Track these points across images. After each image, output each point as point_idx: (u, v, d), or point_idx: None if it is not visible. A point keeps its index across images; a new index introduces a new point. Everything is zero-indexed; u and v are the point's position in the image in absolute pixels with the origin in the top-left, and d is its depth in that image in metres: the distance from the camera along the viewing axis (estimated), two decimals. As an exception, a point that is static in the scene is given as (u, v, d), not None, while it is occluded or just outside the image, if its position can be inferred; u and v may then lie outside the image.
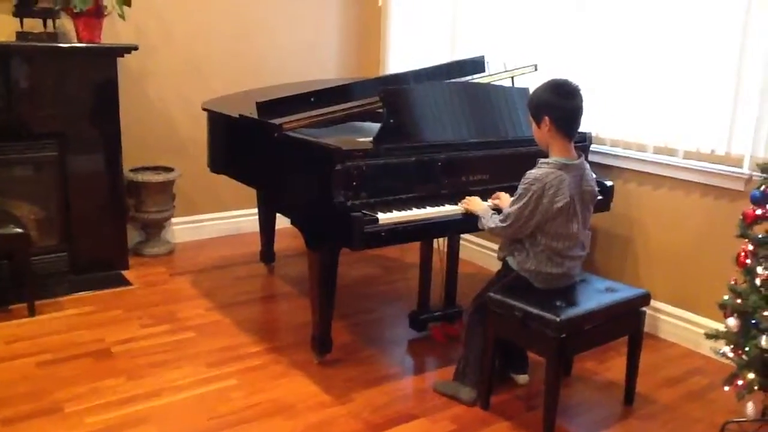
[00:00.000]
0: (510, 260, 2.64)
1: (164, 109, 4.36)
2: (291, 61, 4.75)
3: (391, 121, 2.82)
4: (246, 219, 4.67)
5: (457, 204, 2.81)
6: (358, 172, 2.67)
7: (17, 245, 3.34)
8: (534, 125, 2.59)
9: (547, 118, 2.51)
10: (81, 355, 2.99)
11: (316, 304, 2.91)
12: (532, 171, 2.51)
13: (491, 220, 2.63)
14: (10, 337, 3.13)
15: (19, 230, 3.33)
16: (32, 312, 3.36)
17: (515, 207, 2.50)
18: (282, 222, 3.94)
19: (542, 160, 2.54)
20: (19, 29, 3.63)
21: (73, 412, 2.57)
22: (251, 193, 3.87)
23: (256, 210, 4.22)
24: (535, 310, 2.43)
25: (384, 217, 2.63)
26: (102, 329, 3.25)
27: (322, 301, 2.89)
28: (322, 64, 4.91)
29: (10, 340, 3.10)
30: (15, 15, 3.62)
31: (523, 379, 2.88)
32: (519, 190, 2.51)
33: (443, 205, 2.81)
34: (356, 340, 3.26)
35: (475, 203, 2.78)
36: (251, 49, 4.61)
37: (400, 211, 2.70)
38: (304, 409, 2.64)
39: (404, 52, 4.79)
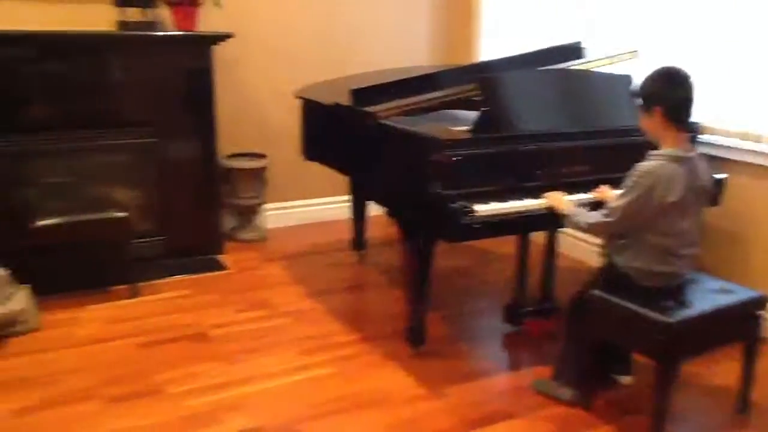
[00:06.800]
0: (615, 257, 2.52)
1: (256, 96, 4.40)
2: (380, 48, 4.71)
3: (489, 109, 2.74)
4: (336, 206, 4.68)
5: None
6: (455, 163, 2.59)
7: (119, 229, 3.46)
8: (643, 115, 2.45)
9: (657, 108, 2.37)
10: (179, 338, 3.07)
11: (411, 295, 2.88)
12: (643, 163, 2.38)
13: (589, 216, 2.50)
14: (113, 318, 3.25)
15: (121, 214, 3.44)
16: (134, 294, 3.46)
17: (622, 200, 2.38)
18: (373, 210, 3.93)
19: (654, 152, 2.41)
20: (119, 19, 3.72)
21: (174, 393, 2.63)
22: (341, 180, 3.87)
23: (346, 197, 4.22)
24: (642, 311, 2.30)
25: (481, 209, 2.56)
26: (199, 313, 3.32)
27: (417, 292, 2.85)
28: (411, 51, 4.84)
29: (112, 321, 3.21)
30: (117, 5, 3.71)
31: (626, 380, 2.76)
32: (628, 183, 2.39)
33: (542, 197, 2.71)
34: (450, 332, 3.21)
35: (559, 201, 2.63)
36: (341, 35, 4.60)
37: (497, 202, 2.62)
38: (399, 401, 2.61)
39: (497, 39, 4.66)
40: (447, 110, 3.33)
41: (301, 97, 3.69)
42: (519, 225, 2.73)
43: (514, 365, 2.99)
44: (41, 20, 3.61)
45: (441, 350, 3.01)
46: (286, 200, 4.63)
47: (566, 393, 2.60)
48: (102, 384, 2.68)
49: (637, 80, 2.55)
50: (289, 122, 4.09)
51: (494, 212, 2.59)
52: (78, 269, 3.56)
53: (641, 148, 2.47)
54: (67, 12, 3.69)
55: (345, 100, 3.11)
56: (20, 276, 3.24)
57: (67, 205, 3.44)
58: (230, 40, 3.88)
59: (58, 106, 3.56)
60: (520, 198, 2.67)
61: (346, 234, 4.20)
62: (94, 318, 3.24)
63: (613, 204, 2.43)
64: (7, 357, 2.88)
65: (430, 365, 2.87)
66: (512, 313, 3.18)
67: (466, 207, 2.53)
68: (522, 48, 3.67)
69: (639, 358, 2.66)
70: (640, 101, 2.45)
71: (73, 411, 2.51)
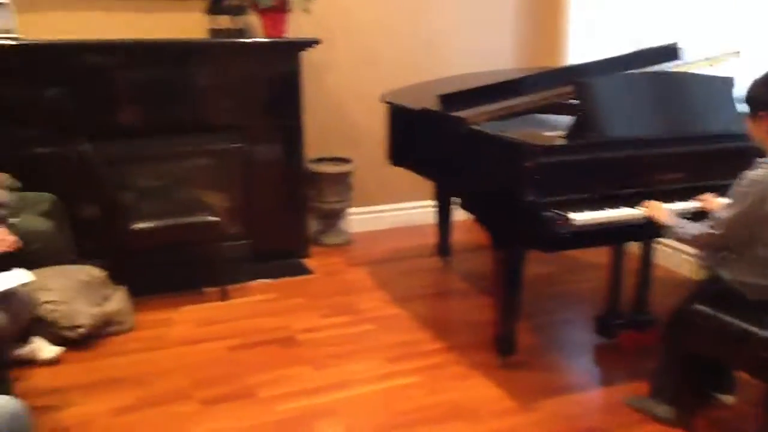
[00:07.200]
0: (720, 270, 2.39)
1: (341, 100, 4.42)
2: (466, 51, 4.65)
3: (585, 114, 2.66)
4: (420, 211, 4.66)
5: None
6: (549, 169, 2.52)
7: (210, 232, 3.53)
8: (749, 121, 2.32)
9: (764, 113, 2.24)
10: (269, 341, 3.11)
11: (500, 304, 2.82)
12: (752, 172, 2.25)
13: (693, 228, 2.38)
14: (204, 320, 3.32)
15: (213, 218, 3.52)
16: (224, 296, 3.54)
17: (730, 211, 2.25)
18: (458, 215, 3.88)
19: (762, 159, 2.27)
20: (210, 26, 3.81)
21: (265, 397, 2.67)
22: (425, 184, 3.83)
23: (429, 202, 4.19)
24: (750, 327, 2.18)
25: (577, 218, 2.47)
26: (287, 316, 3.36)
27: (507, 301, 2.80)
28: (496, 54, 4.76)
29: (204, 323, 3.29)
30: (208, 13, 3.81)
31: (728, 399, 2.62)
32: (734, 193, 2.27)
33: (642, 206, 2.60)
34: (539, 342, 3.13)
35: (660, 211, 2.50)
36: (427, 40, 4.57)
37: (593, 211, 2.53)
38: (488, 414, 2.57)
39: (587, 40, 4.53)
40: (536, 114, 3.26)
41: (387, 102, 3.68)
42: (615, 234, 2.63)
43: (608, 380, 2.87)
44: (137, 29, 3.73)
45: (530, 361, 2.94)
46: (370, 204, 4.64)
47: (664, 411, 2.49)
48: (195, 385, 2.75)
49: (740, 82, 2.42)
50: (374, 126, 4.10)
51: (590, 221, 2.49)
52: (171, 271, 3.67)
53: (743, 155, 2.34)
54: (161, 21, 3.81)
55: (433, 105, 3.09)
56: (117, 277, 3.35)
57: (161, 208, 3.54)
58: (318, 45, 3.91)
59: (152, 112, 3.68)
60: (616, 206, 2.58)
61: (431, 239, 4.17)
62: (186, 319, 3.32)
63: (720, 215, 2.30)
64: (105, 357, 2.98)
65: (519, 377, 2.81)
66: (605, 325, 3.08)
67: (560, 215, 2.46)
68: (614, 50, 3.55)
69: (743, 376, 2.52)
70: (746, 106, 2.32)
71: (169, 411, 2.58)
